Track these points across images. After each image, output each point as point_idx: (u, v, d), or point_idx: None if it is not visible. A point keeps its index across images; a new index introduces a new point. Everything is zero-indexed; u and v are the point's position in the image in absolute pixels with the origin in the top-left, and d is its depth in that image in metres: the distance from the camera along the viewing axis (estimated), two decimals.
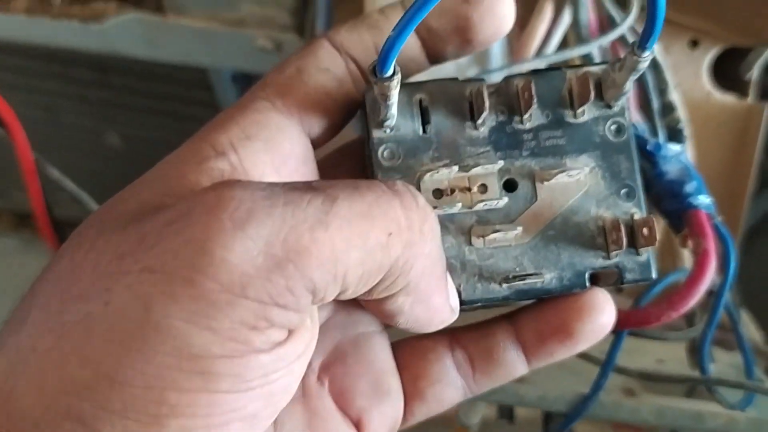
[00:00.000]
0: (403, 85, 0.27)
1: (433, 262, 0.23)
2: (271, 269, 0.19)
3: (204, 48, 0.56)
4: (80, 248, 0.21)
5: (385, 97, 0.24)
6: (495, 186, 0.26)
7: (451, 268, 0.26)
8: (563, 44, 0.43)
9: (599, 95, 0.27)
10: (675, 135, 0.41)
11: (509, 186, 0.27)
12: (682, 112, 0.42)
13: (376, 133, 0.26)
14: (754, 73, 0.50)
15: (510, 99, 0.27)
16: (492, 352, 0.28)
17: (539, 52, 0.42)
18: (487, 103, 0.26)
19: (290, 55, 0.27)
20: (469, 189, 0.26)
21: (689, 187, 0.33)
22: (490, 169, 0.26)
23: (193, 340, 0.19)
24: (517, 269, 0.26)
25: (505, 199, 0.26)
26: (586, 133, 0.27)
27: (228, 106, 0.77)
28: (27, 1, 0.57)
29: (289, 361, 0.21)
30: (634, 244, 0.26)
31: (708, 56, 0.50)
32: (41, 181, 0.50)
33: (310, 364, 0.27)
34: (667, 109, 0.42)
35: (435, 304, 0.24)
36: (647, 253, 0.26)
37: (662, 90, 0.41)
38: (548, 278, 0.26)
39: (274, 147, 0.25)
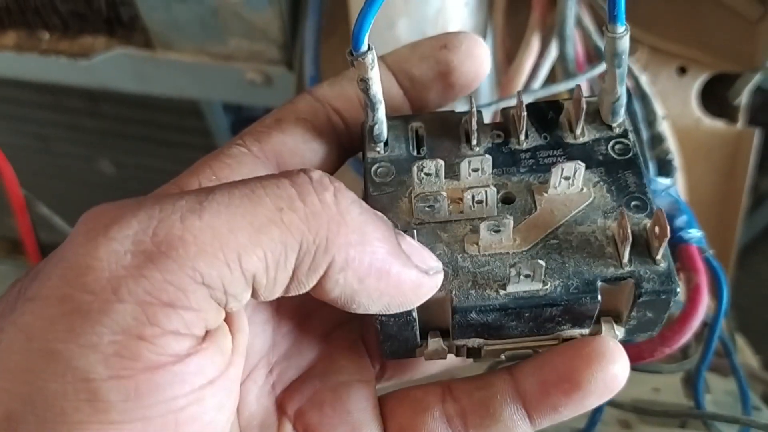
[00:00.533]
0: (400, 117, 0.27)
1: (362, 231, 0.21)
2: (142, 265, 0.18)
3: (194, 82, 0.56)
4: None
5: (366, 83, 0.24)
6: (488, 196, 0.25)
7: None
8: (551, 78, 0.43)
9: (598, 119, 0.27)
10: (664, 166, 0.41)
11: (507, 200, 0.26)
12: (671, 143, 0.42)
13: (370, 153, 0.27)
14: (743, 99, 0.50)
15: (507, 125, 0.27)
16: (488, 405, 0.25)
17: (526, 86, 0.42)
18: (475, 120, 0.26)
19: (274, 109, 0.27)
20: (461, 199, 0.25)
21: (679, 222, 0.33)
22: (483, 178, 0.26)
23: (77, 362, 0.18)
24: (515, 275, 0.23)
25: (494, 189, 0.25)
26: (588, 152, 0.26)
27: (220, 133, 0.76)
28: (16, 37, 0.57)
29: (193, 384, 0.19)
30: (650, 254, 0.24)
31: (696, 83, 0.50)
32: (32, 215, 0.50)
33: (284, 411, 0.27)
34: (656, 140, 0.42)
35: (395, 272, 0.22)
36: (667, 262, 0.23)
37: (650, 122, 0.41)
38: (551, 286, 0.23)
39: None
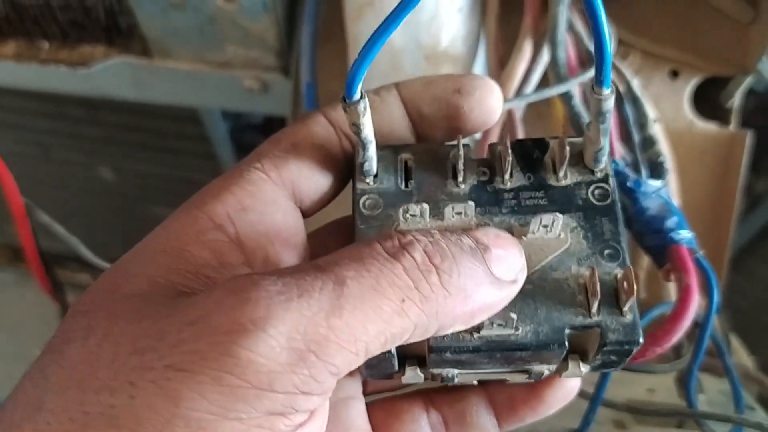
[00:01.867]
0: (391, 147, 0.28)
1: (464, 291, 0.23)
2: (295, 363, 0.20)
3: (192, 89, 0.57)
4: (92, 335, 0.22)
5: (357, 128, 0.25)
6: None
7: None
8: (544, 82, 0.43)
9: (581, 162, 0.27)
10: (656, 169, 0.42)
11: None
12: (663, 146, 0.42)
13: (360, 185, 0.27)
14: (735, 101, 0.51)
15: (493, 161, 0.28)
16: (465, 415, 0.29)
17: (519, 91, 0.42)
18: (462, 161, 0.27)
19: (287, 127, 0.27)
20: None
21: (670, 223, 0.34)
22: (466, 220, 0.26)
23: (222, 429, 0.20)
24: (490, 319, 0.24)
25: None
26: (569, 196, 0.27)
27: (219, 139, 0.76)
28: (15, 47, 0.58)
29: None
30: (617, 305, 0.25)
31: (689, 86, 0.51)
32: (33, 222, 0.51)
33: None
34: (648, 142, 0.42)
35: (496, 300, 0.23)
36: (632, 315, 0.25)
37: (642, 124, 0.42)
38: (523, 332, 0.25)
39: (268, 218, 0.25)
